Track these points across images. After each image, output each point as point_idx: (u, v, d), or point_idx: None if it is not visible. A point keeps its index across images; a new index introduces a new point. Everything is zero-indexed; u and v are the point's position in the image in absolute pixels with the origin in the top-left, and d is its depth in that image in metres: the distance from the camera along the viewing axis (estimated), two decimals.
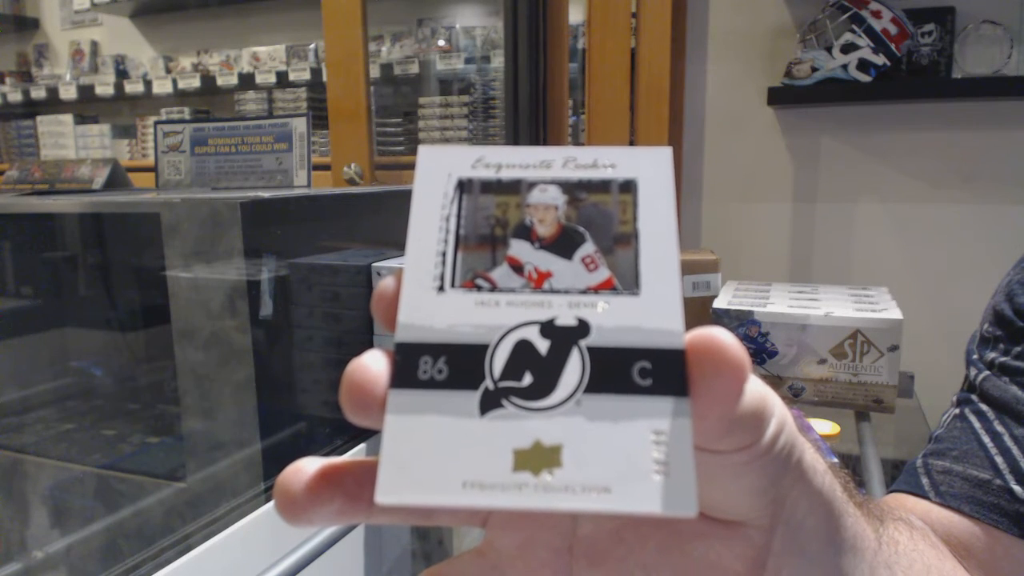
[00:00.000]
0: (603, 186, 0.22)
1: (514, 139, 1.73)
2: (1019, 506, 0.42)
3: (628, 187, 0.22)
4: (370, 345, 0.87)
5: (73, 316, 1.06)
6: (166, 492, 0.81)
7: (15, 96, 3.23)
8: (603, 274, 0.20)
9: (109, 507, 0.84)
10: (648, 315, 0.19)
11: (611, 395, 0.18)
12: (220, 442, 0.77)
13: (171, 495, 0.80)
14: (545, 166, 0.22)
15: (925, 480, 0.46)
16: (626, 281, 0.20)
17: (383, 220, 1.01)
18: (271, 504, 0.70)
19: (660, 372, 0.18)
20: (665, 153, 0.22)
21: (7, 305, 1.06)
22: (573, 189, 0.22)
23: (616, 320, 0.19)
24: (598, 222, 0.21)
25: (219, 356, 0.74)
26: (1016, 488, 0.43)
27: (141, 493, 0.83)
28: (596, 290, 0.20)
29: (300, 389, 0.81)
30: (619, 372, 0.19)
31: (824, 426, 0.93)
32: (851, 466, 0.78)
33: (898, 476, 0.49)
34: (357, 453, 0.84)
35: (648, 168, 0.22)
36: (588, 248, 0.21)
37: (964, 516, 0.44)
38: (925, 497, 0.46)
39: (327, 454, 0.83)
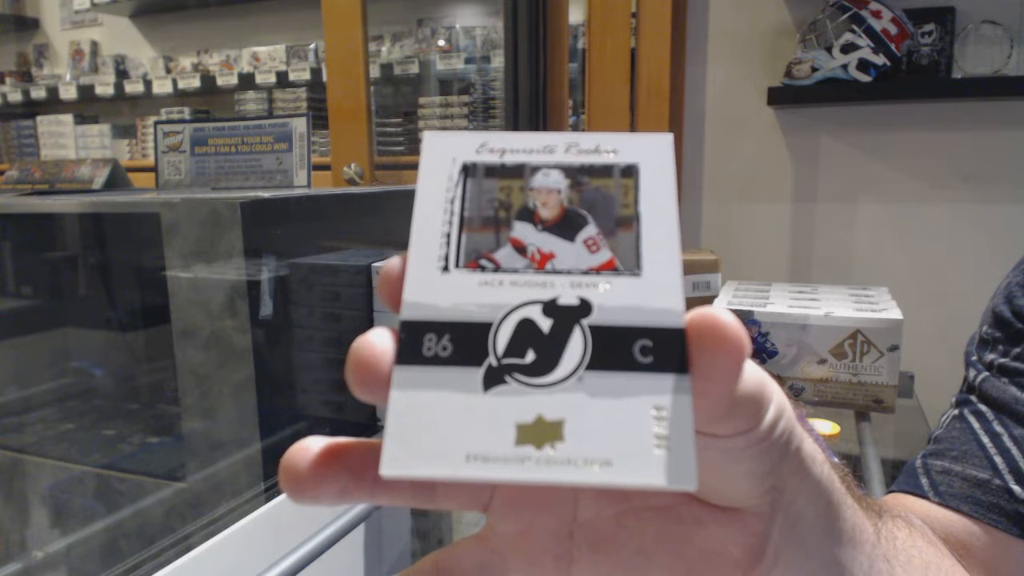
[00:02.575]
0: (605, 170, 0.22)
1: None
2: (1018, 506, 0.42)
3: (630, 172, 0.22)
4: None
5: (73, 316, 1.06)
6: (166, 492, 0.81)
7: (15, 96, 3.23)
8: (605, 255, 0.21)
9: (109, 507, 0.84)
10: (649, 295, 0.20)
11: (612, 372, 0.19)
12: (220, 442, 0.77)
13: (171, 495, 0.80)
14: (548, 151, 0.23)
15: (924, 480, 0.46)
16: (627, 262, 0.21)
17: (383, 220, 1.01)
18: (271, 504, 0.70)
19: (661, 350, 0.19)
20: (666, 139, 0.23)
21: (7, 305, 1.06)
22: (576, 173, 0.22)
23: (617, 300, 0.20)
24: (600, 205, 0.22)
25: (219, 356, 0.74)
26: (1015, 488, 0.43)
27: (141, 493, 0.83)
28: (598, 271, 0.21)
29: (300, 389, 0.81)
30: (620, 350, 0.19)
31: (824, 426, 0.93)
32: (851, 466, 0.78)
33: (898, 476, 0.49)
34: None
35: (649, 154, 0.22)
36: (590, 230, 0.21)
37: (963, 516, 0.44)
38: (924, 497, 0.46)
39: None
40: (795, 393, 0.85)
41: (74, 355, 1.07)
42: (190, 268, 0.74)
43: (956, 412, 0.49)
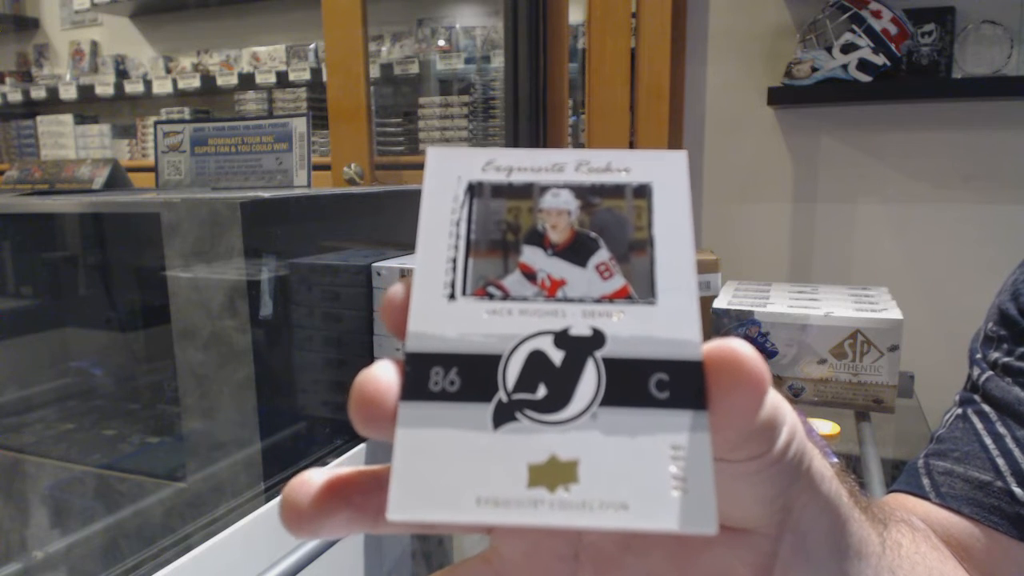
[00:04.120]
0: (617, 191, 0.21)
1: (514, 139, 1.73)
2: (1019, 508, 0.42)
3: (643, 192, 0.21)
4: (370, 345, 0.88)
5: (73, 316, 1.06)
6: (166, 492, 0.81)
7: (15, 96, 3.23)
8: (618, 282, 0.20)
9: (109, 507, 0.84)
10: (665, 325, 0.19)
11: (628, 408, 0.18)
12: (220, 442, 0.77)
13: (171, 495, 0.80)
14: (557, 169, 0.22)
15: (926, 480, 0.46)
16: (642, 290, 0.20)
17: (383, 220, 1.01)
18: (271, 504, 0.70)
19: (678, 385, 0.18)
20: (681, 157, 0.22)
21: (7, 305, 1.06)
22: (586, 194, 0.21)
23: (632, 330, 0.19)
24: (612, 228, 0.21)
25: (219, 356, 0.74)
26: (1017, 490, 0.42)
27: (141, 493, 0.83)
28: (611, 299, 0.20)
29: (300, 389, 0.81)
30: (636, 384, 0.18)
31: (824, 426, 0.93)
32: (851, 466, 0.78)
33: (898, 476, 0.49)
34: (356, 454, 0.84)
35: (663, 172, 0.22)
36: (602, 255, 0.20)
37: (964, 517, 0.43)
38: (926, 498, 0.46)
39: (327, 454, 0.83)
40: (795, 393, 0.85)
41: (74, 355, 1.07)
42: (190, 268, 0.74)
43: (959, 411, 0.49)
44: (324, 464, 0.79)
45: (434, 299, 0.20)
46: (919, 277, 1.72)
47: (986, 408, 0.47)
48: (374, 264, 0.86)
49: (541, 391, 0.18)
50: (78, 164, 1.21)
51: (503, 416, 0.18)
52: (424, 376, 0.19)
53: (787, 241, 1.83)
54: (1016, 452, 0.44)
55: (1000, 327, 0.50)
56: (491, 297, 0.20)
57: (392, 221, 1.02)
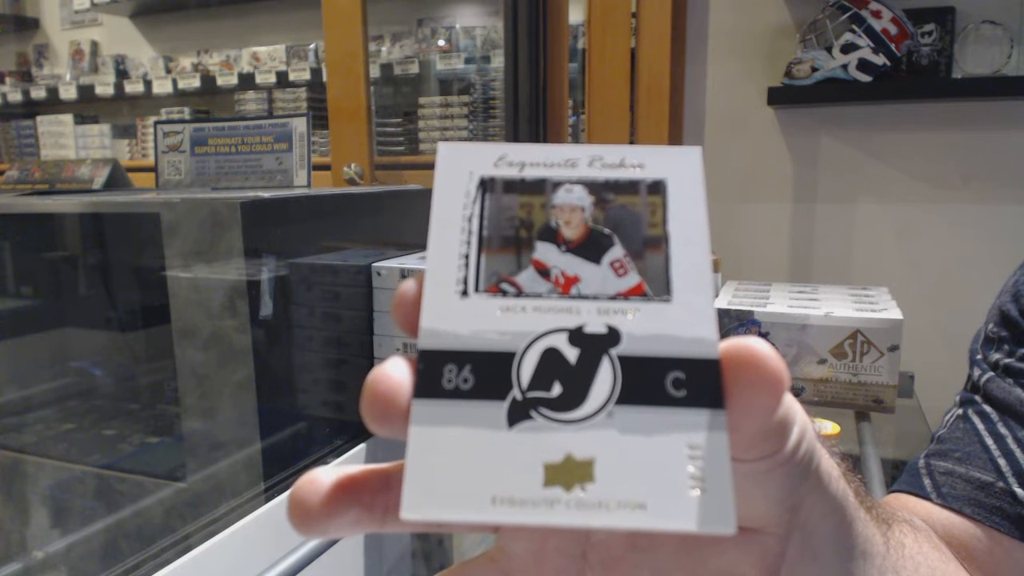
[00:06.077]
0: (631, 187, 0.21)
1: (514, 139, 1.73)
2: (1021, 509, 0.42)
3: (657, 188, 0.21)
4: (370, 345, 0.87)
5: (73, 316, 1.06)
6: (166, 492, 0.81)
7: (15, 96, 3.23)
8: (633, 279, 0.20)
9: (109, 507, 0.84)
10: (680, 323, 0.19)
11: (644, 407, 0.18)
12: (220, 442, 0.77)
13: (171, 495, 0.80)
14: (570, 165, 0.22)
15: (927, 481, 0.46)
16: (657, 287, 0.20)
17: (383, 220, 1.01)
18: (271, 504, 0.70)
19: (694, 383, 0.18)
20: (695, 153, 0.22)
21: (7, 305, 1.06)
22: (600, 189, 0.21)
23: (647, 328, 0.19)
24: (626, 224, 0.21)
25: (219, 356, 0.74)
26: (1019, 491, 0.42)
27: (141, 493, 0.83)
28: (626, 296, 0.20)
29: (300, 389, 0.81)
30: (652, 383, 0.18)
31: (824, 426, 0.93)
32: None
33: (898, 476, 0.49)
34: (356, 453, 0.84)
35: (678, 168, 0.21)
36: (617, 252, 0.20)
37: (965, 518, 0.43)
38: (927, 498, 0.45)
39: (327, 454, 0.83)
40: (795, 393, 0.85)
41: (74, 355, 1.07)
42: (190, 268, 0.74)
43: (960, 412, 0.49)
44: (324, 464, 0.78)
45: (447, 296, 0.20)
46: (919, 277, 1.72)
47: (987, 409, 0.47)
48: (374, 264, 0.86)
49: (556, 389, 0.18)
50: (78, 164, 1.21)
51: (518, 414, 0.18)
52: (437, 374, 0.18)
53: (787, 241, 1.83)
54: (1018, 453, 0.43)
55: (1001, 328, 0.50)
56: (504, 294, 0.20)
57: (392, 221, 1.02)
